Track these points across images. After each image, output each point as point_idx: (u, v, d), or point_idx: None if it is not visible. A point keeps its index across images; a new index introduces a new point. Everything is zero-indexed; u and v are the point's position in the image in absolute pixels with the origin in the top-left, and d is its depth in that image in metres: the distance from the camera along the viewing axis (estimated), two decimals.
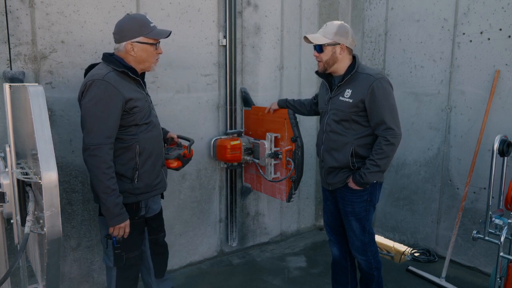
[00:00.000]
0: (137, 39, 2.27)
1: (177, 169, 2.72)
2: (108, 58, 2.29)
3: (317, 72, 2.70)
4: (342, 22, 2.57)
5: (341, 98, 2.54)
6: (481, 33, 3.27)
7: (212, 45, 3.43)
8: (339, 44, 2.51)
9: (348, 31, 2.53)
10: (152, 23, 2.32)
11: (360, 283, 2.87)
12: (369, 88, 2.44)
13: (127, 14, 2.39)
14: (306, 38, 2.60)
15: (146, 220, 2.50)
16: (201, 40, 3.36)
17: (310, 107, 3.06)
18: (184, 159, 2.73)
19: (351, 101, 2.49)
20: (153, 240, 2.60)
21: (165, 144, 2.74)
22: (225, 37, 3.45)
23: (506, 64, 3.14)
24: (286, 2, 3.84)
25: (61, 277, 2.91)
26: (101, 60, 2.34)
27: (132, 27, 2.27)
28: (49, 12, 2.68)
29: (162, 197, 2.65)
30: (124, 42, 2.27)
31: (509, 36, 3.11)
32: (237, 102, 3.62)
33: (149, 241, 2.59)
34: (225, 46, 3.46)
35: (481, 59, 3.29)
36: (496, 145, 2.85)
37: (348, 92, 2.52)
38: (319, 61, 2.60)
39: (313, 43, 2.56)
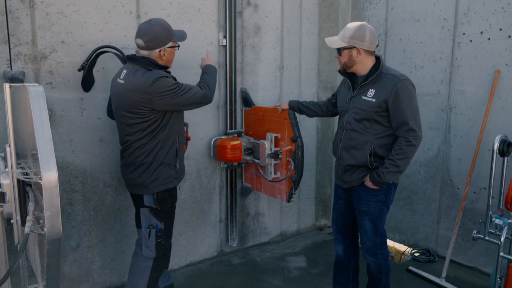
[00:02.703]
0: (168, 45, 2.49)
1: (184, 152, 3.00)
2: (146, 62, 2.43)
3: (340, 71, 2.70)
4: (363, 23, 2.54)
5: (363, 97, 2.54)
6: (481, 33, 3.27)
7: (212, 45, 3.43)
8: (355, 47, 2.50)
9: (365, 34, 2.49)
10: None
11: None
12: (393, 89, 2.43)
13: (150, 20, 2.47)
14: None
15: None
16: (201, 40, 3.36)
17: (326, 108, 3.03)
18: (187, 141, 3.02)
19: (374, 100, 2.48)
20: None
21: None
22: (225, 37, 3.45)
23: (506, 64, 3.14)
24: (286, 2, 3.84)
25: (61, 277, 2.91)
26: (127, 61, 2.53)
27: (164, 34, 2.47)
28: (49, 12, 2.68)
29: None
30: (158, 49, 2.45)
31: (509, 36, 3.11)
32: (237, 102, 3.62)
33: None
34: (225, 46, 3.46)
35: (481, 59, 3.29)
36: (496, 145, 2.85)
37: (371, 92, 2.51)
38: (339, 62, 2.63)
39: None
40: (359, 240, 2.88)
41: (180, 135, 2.59)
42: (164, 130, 2.47)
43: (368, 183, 2.56)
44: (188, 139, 3.04)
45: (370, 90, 2.52)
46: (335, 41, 2.58)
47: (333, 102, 2.98)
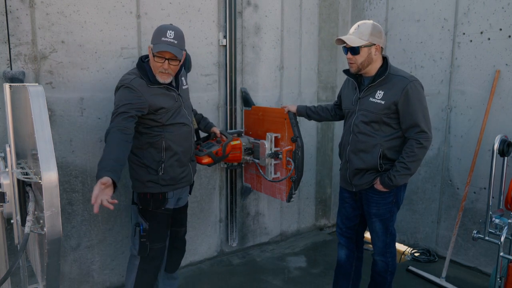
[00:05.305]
0: (151, 46, 2.42)
1: (208, 165, 2.96)
2: (140, 64, 2.45)
3: (346, 72, 2.62)
4: (373, 21, 2.49)
5: (371, 99, 2.48)
6: (481, 33, 3.27)
7: (212, 45, 3.43)
8: (374, 44, 2.44)
9: (381, 31, 2.46)
10: (167, 37, 2.33)
11: None
12: (403, 90, 2.38)
13: (172, 24, 2.48)
14: (339, 41, 2.49)
15: (173, 211, 2.63)
16: (201, 40, 3.36)
17: (335, 112, 2.97)
18: (216, 157, 2.89)
19: (383, 102, 2.43)
20: (174, 232, 2.75)
21: (207, 139, 3.00)
22: (225, 37, 3.45)
23: (506, 64, 3.14)
24: (286, 2, 3.84)
25: (61, 277, 2.91)
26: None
27: (154, 33, 2.41)
28: (49, 12, 2.68)
29: (190, 192, 2.80)
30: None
31: (509, 36, 3.11)
32: (237, 102, 3.62)
33: (170, 232, 2.72)
34: (225, 46, 3.46)
35: (481, 59, 3.29)
36: (496, 145, 2.85)
37: (379, 94, 2.45)
38: (352, 63, 2.51)
39: (346, 45, 2.46)
40: (363, 246, 2.88)
41: (166, 144, 2.46)
42: (141, 136, 2.43)
43: (379, 186, 2.51)
44: (219, 154, 2.93)
45: (378, 91, 2.46)
46: (354, 39, 2.43)
47: (338, 105, 2.92)
